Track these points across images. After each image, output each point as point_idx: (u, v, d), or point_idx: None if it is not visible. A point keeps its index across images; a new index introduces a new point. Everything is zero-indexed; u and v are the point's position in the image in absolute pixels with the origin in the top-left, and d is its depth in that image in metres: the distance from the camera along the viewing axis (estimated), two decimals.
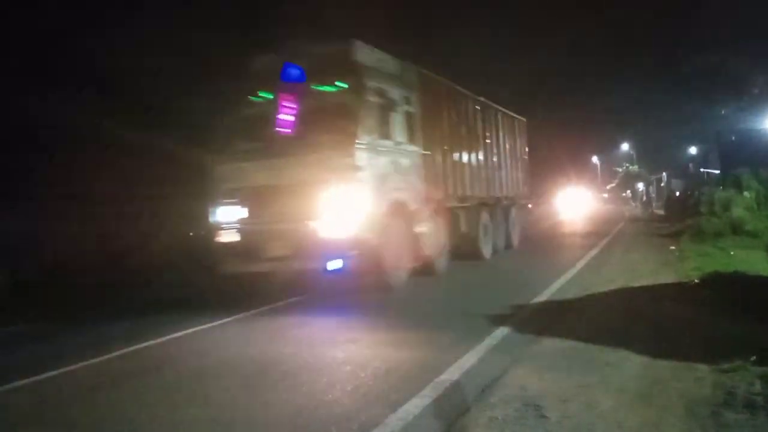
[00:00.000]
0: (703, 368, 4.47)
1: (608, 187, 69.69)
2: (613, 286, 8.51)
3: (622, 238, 18.96)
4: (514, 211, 16.05)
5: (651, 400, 3.98)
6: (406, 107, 9.87)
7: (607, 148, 65.79)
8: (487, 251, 13.35)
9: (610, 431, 3.54)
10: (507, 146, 15.84)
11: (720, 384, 4.11)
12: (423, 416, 3.96)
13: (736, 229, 15.16)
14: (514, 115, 16.86)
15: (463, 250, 12.45)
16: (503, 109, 15.82)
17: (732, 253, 11.71)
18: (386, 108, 9.21)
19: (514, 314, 7.07)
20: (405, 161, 9.74)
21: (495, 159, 14.73)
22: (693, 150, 48.63)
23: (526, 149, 18.01)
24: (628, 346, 5.18)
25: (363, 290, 8.94)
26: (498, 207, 14.54)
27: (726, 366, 4.36)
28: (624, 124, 57.54)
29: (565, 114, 48.81)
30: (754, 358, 4.39)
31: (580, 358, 5.04)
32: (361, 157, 8.40)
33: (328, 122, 8.48)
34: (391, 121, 9.36)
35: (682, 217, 21.28)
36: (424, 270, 10.20)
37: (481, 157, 13.66)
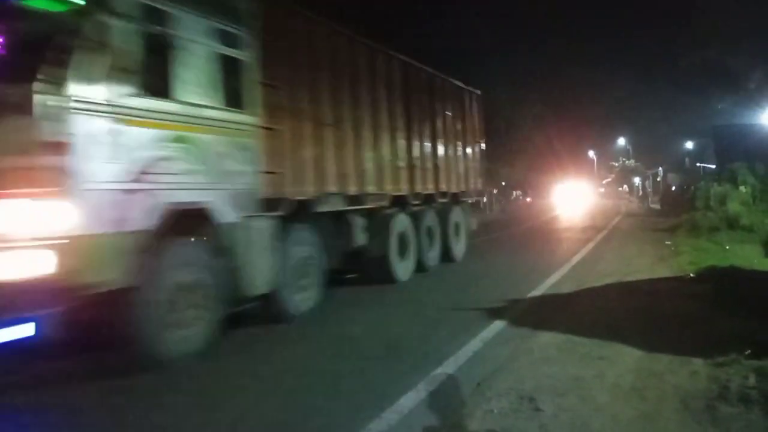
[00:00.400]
0: (698, 362, 4.50)
1: (605, 182, 69.85)
2: (608, 281, 8.54)
3: (618, 232, 18.99)
4: (457, 213, 12.01)
5: (646, 393, 3.99)
6: (221, 48, 5.95)
7: (603, 143, 65.86)
8: (403, 271, 9.49)
9: (605, 425, 3.55)
10: (448, 126, 11.86)
11: (715, 378, 4.13)
12: (418, 410, 3.96)
13: (732, 223, 15.20)
14: (464, 87, 12.92)
15: (366, 271, 9.13)
16: (444, 77, 11.88)
17: (727, 247, 11.74)
18: (166, 45, 5.37)
19: (510, 308, 7.07)
20: (212, 139, 5.75)
21: (426, 143, 10.80)
22: (689, 145, 48.74)
23: (482, 132, 13.96)
24: (623, 340, 5.20)
25: (92, 374, 4.98)
26: (429, 208, 10.73)
27: (721, 360, 4.39)
28: (621, 118, 57.64)
29: (562, 108, 48.85)
30: (748, 351, 4.41)
31: (575, 352, 5.05)
32: (79, 125, 4.59)
33: (41, 63, 4.67)
34: (176, 68, 5.40)
35: (678, 211, 21.35)
36: (267, 316, 6.57)
37: (398, 138, 9.76)
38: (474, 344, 5.52)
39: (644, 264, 10.20)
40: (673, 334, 5.35)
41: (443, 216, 11.33)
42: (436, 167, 11.14)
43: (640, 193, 50.50)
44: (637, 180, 57.02)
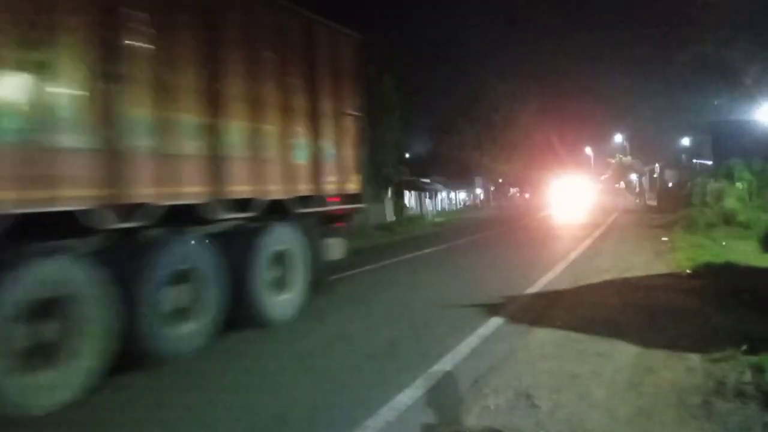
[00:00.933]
0: (694, 358, 4.51)
1: (602, 179, 69.89)
2: (606, 277, 8.56)
3: (615, 229, 19.02)
4: (284, 238, 7.02)
5: (642, 389, 4.00)
6: None
7: (600, 140, 65.95)
8: (39, 394, 4.19)
9: (602, 420, 3.56)
10: (267, 79, 6.83)
11: (711, 373, 4.15)
12: (415, 407, 3.97)
13: (729, 219, 15.24)
14: (317, 19, 7.92)
15: None
16: None
17: (724, 243, 11.77)
18: None
19: (507, 305, 7.08)
20: None
21: (192, 101, 5.80)
22: (686, 141, 48.82)
23: (356, 98, 8.63)
24: (620, 336, 5.22)
25: None
26: (182, 234, 5.77)
27: (717, 355, 4.40)
28: (618, 115, 57.71)
29: (559, 105, 48.94)
30: (744, 347, 4.43)
31: (572, 348, 5.06)
32: None
33: None
34: None
35: (674, 208, 21.39)
36: None
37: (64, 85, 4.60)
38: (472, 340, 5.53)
39: (641, 260, 10.21)
40: (669, 330, 5.36)
41: (241, 245, 6.34)
42: (214, 151, 5.97)
43: (637, 189, 50.57)
44: (633, 176, 57.09)
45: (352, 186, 8.50)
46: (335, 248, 8.21)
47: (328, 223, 8.17)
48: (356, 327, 6.53)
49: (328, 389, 4.45)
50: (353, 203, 8.60)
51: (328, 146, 7.95)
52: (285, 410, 4.07)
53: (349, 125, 8.48)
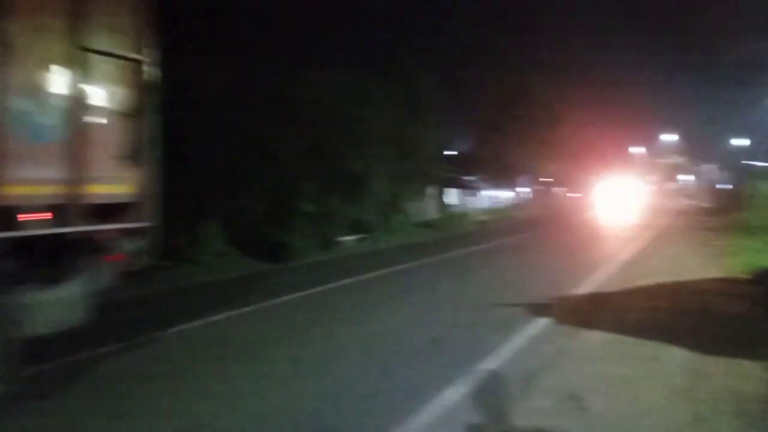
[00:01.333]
0: (750, 365, 4.39)
1: (651, 179, 68.18)
2: (658, 280, 8.36)
3: (666, 231, 18.54)
4: None
5: (697, 395, 3.90)
6: None
7: (651, 139, 64.41)
8: None
9: (655, 426, 3.49)
10: None
11: None
12: (461, 405, 3.97)
13: None
14: None
15: None
16: None
17: None
18: None
19: (556, 305, 7.00)
20: None
21: None
22: (740, 142, 47.21)
23: (142, 33, 4.68)
24: (672, 340, 5.10)
25: None
26: None
27: None
28: (668, 114, 56.25)
29: (608, 102, 47.91)
30: None
31: (622, 351, 4.97)
32: None
33: None
34: None
35: (729, 210, 20.72)
36: None
37: None
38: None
39: (694, 263, 9.95)
40: (723, 336, 5.22)
41: None
42: None
43: (689, 190, 49.18)
44: (687, 177, 55.58)
45: (118, 188, 4.66)
46: (54, 309, 4.21)
47: (50, 260, 4.28)
48: (406, 325, 6.56)
49: (378, 379, 4.48)
50: (119, 220, 4.69)
51: (33, 108, 4.06)
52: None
53: (116, 75, 4.65)
